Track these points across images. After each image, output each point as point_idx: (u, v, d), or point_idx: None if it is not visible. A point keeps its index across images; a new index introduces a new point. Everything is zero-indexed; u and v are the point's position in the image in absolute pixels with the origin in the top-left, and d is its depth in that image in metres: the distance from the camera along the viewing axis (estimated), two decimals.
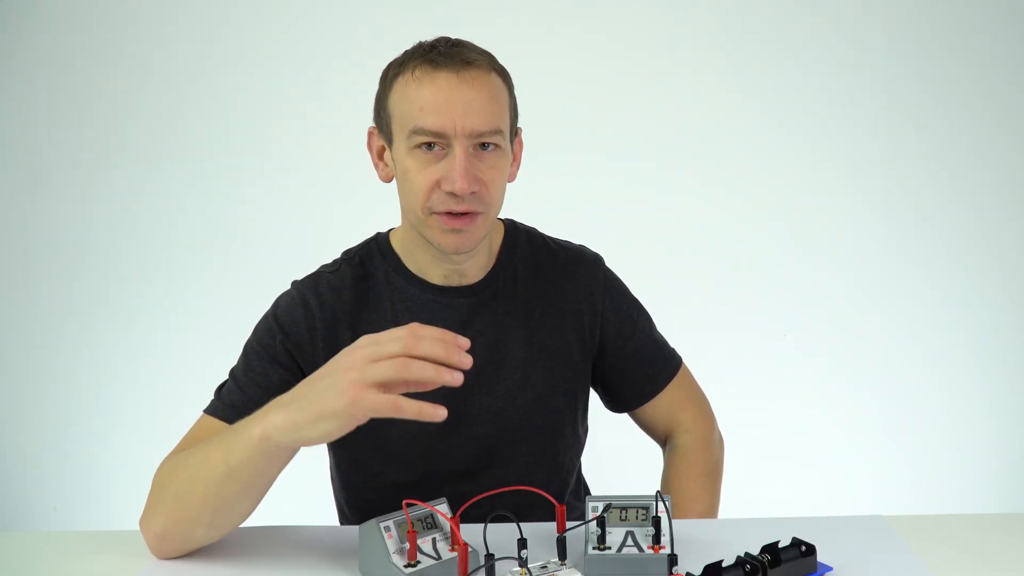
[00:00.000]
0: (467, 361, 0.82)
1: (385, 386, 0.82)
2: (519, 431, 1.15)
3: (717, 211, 2.44)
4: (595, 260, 1.23)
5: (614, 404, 1.28)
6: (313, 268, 1.17)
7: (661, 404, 1.25)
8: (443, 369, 0.81)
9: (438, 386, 0.82)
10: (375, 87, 1.10)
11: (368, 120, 1.13)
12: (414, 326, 0.84)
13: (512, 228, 1.21)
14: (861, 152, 2.42)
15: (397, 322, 1.11)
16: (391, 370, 0.81)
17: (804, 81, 2.40)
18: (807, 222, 2.44)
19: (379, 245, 1.17)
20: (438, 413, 0.81)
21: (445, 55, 1.03)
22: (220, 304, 2.43)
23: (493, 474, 1.14)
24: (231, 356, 1.15)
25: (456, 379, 0.81)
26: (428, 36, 1.08)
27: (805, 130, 2.42)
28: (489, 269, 1.16)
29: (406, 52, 1.07)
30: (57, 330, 2.46)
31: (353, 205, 2.36)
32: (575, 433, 1.22)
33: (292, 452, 0.90)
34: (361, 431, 1.09)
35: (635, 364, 1.23)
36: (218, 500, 0.91)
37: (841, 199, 2.44)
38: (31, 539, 1.11)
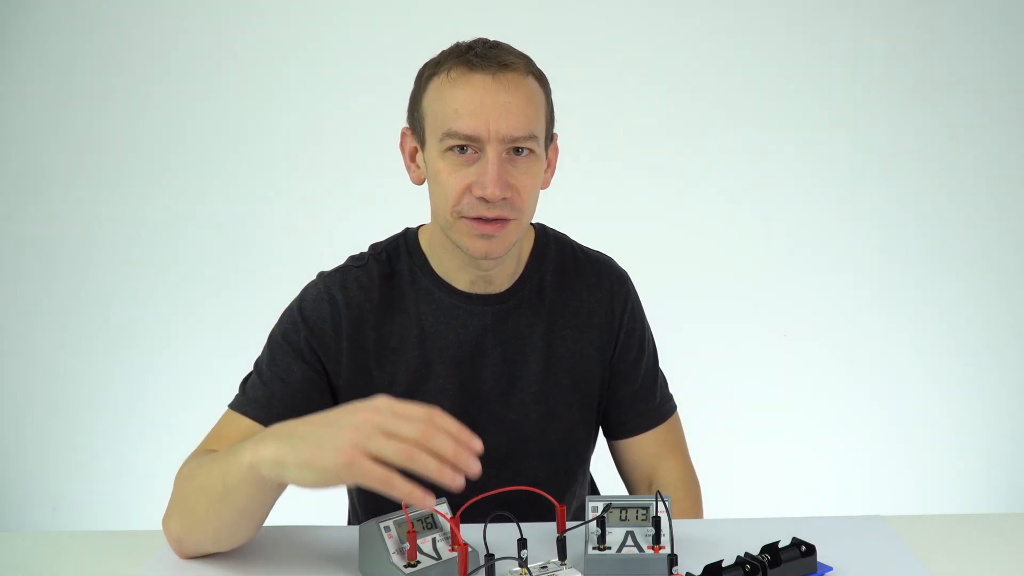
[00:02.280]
0: (475, 468, 0.78)
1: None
2: (531, 444, 1.14)
3: (718, 211, 2.44)
4: (622, 277, 1.21)
5: (601, 428, 1.24)
6: (314, 271, 1.16)
7: (647, 445, 1.20)
8: (447, 470, 0.77)
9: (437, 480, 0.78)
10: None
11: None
12: (435, 414, 0.79)
13: (542, 234, 1.19)
14: (860, 155, 2.42)
15: (422, 327, 1.10)
16: (396, 456, 0.77)
17: (805, 86, 2.40)
18: (807, 223, 2.44)
19: (407, 242, 1.15)
20: (426, 502, 0.78)
21: (482, 56, 1.00)
22: (223, 306, 2.43)
23: (503, 484, 1.13)
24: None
25: (458, 484, 0.77)
26: (459, 38, 1.06)
27: (806, 133, 2.42)
28: (516, 278, 1.14)
29: (442, 53, 1.05)
30: (57, 330, 2.46)
31: (359, 206, 2.37)
32: (588, 448, 1.21)
33: (282, 487, 0.88)
34: None
35: (632, 394, 1.19)
36: (217, 519, 0.90)
37: (841, 201, 2.44)
38: (31, 539, 1.11)
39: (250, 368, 1.12)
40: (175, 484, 0.97)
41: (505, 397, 1.12)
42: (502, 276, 1.12)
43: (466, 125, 0.98)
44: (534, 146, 1.02)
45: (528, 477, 1.13)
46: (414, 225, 1.19)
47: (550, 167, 1.11)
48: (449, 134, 0.99)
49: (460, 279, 1.11)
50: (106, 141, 2.41)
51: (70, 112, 2.40)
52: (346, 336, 1.09)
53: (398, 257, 1.14)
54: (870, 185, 2.43)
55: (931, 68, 2.39)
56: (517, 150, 1.01)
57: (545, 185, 1.10)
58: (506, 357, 1.12)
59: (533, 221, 1.19)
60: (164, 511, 0.96)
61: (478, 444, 0.80)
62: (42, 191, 2.43)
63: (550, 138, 1.09)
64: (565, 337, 1.15)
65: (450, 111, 0.99)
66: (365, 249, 1.17)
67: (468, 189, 1.00)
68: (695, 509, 1.19)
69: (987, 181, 2.42)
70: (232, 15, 2.38)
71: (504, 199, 1.00)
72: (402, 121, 1.11)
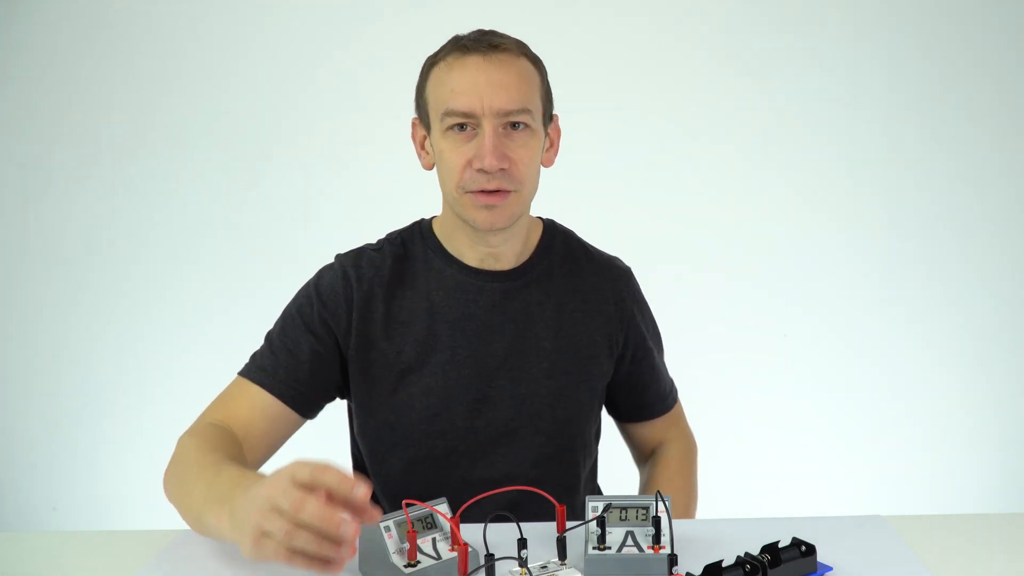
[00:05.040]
0: (348, 532, 0.72)
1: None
2: (540, 419, 1.16)
3: (718, 210, 2.44)
4: (628, 272, 1.26)
5: (608, 408, 1.31)
6: (312, 271, 1.19)
7: (653, 431, 1.30)
8: (318, 564, 0.73)
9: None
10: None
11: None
12: (302, 500, 0.72)
13: (551, 227, 1.24)
14: (862, 153, 2.42)
15: (431, 301, 1.15)
16: (280, 536, 0.73)
17: (811, 83, 2.40)
18: (808, 222, 2.44)
19: (421, 229, 1.21)
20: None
21: (475, 41, 1.08)
22: (223, 306, 2.43)
23: (510, 459, 1.15)
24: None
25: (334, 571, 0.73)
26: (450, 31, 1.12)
27: (807, 131, 2.42)
28: (525, 259, 1.18)
29: (442, 46, 1.11)
30: (57, 330, 2.46)
31: (363, 208, 2.37)
32: (593, 425, 1.24)
33: None
34: (384, 407, 1.13)
35: (639, 384, 1.26)
36: (201, 530, 0.94)
37: (842, 199, 2.44)
38: (31, 539, 1.11)
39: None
40: (176, 449, 1.03)
41: (516, 372, 1.15)
42: (510, 253, 1.16)
43: (462, 102, 1.05)
44: (529, 120, 1.08)
45: (534, 452, 1.16)
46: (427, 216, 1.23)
47: (553, 147, 1.16)
48: (447, 113, 1.06)
49: (470, 256, 1.16)
50: (110, 143, 2.42)
51: (75, 114, 2.41)
52: (356, 308, 1.14)
53: (412, 242, 1.20)
54: (873, 183, 2.43)
55: (935, 68, 2.38)
56: (514, 124, 1.07)
57: (548, 163, 1.15)
58: (517, 332, 1.15)
59: (543, 217, 1.24)
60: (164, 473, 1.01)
61: (360, 490, 0.73)
62: (45, 193, 2.43)
63: (549, 117, 1.14)
64: (575, 320, 1.19)
65: (447, 92, 1.06)
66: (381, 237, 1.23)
67: (469, 164, 1.06)
68: (691, 472, 1.30)
69: (993, 177, 2.41)
70: (241, 17, 2.38)
71: (502, 170, 1.05)
72: (409, 122, 1.17)
